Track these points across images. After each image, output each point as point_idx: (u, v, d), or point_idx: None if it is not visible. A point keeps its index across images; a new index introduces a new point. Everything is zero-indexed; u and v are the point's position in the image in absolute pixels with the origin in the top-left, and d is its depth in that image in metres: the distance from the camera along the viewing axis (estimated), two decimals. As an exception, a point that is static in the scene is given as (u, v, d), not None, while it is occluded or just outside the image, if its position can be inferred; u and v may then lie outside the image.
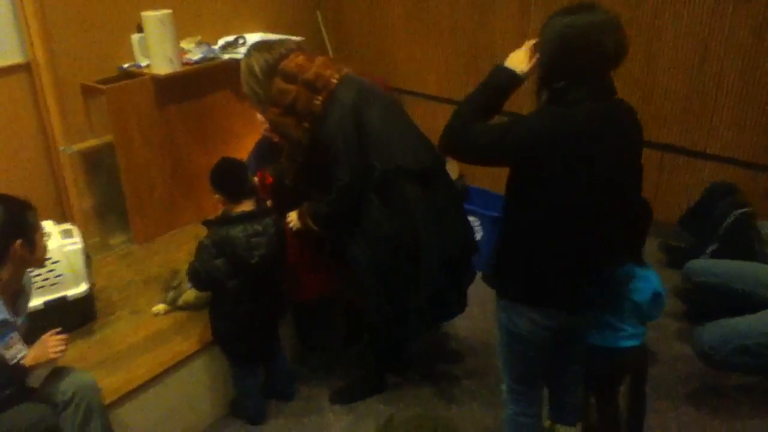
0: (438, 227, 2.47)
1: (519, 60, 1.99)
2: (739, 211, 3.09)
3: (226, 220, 2.48)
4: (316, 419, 2.80)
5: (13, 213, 2.04)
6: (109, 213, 3.50)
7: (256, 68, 2.49)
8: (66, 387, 2.14)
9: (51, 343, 2.08)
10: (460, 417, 2.77)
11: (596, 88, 1.88)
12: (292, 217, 2.59)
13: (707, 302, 2.97)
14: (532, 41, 1.99)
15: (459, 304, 2.73)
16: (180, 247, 3.45)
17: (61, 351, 2.10)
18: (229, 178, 2.50)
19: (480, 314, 3.22)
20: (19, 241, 2.03)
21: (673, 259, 3.43)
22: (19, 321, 2.14)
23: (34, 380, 2.19)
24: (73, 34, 3.21)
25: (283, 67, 2.44)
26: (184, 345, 2.68)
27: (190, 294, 2.83)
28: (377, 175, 2.39)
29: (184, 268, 2.91)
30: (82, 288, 2.70)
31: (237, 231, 2.43)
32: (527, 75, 1.99)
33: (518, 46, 2.05)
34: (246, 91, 2.57)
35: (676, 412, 2.71)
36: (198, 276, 2.50)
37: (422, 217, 2.44)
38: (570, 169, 1.87)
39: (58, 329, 2.15)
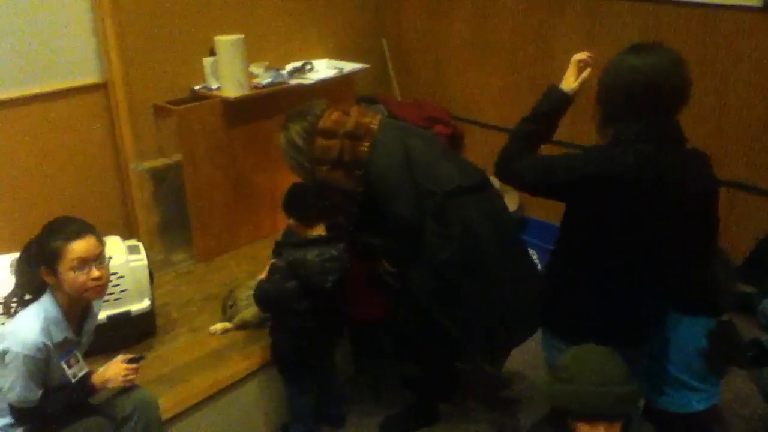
0: (504, 241, 2.50)
1: (567, 79, 2.05)
2: None
3: (301, 243, 2.52)
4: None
5: (40, 239, 2.05)
6: (172, 231, 3.58)
7: (297, 139, 2.56)
8: (126, 403, 2.18)
9: (123, 371, 2.14)
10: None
11: (654, 131, 1.86)
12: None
13: None
14: (578, 56, 1.99)
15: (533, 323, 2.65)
16: (239, 266, 3.50)
17: (132, 380, 2.17)
18: (302, 202, 2.56)
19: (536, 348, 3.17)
20: (42, 268, 2.02)
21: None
22: (83, 340, 2.19)
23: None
24: (148, 56, 3.31)
25: (321, 126, 2.52)
26: (241, 365, 2.71)
27: (247, 312, 2.86)
28: (438, 199, 2.42)
29: (240, 286, 2.98)
30: (145, 304, 2.76)
31: (312, 255, 2.47)
32: (576, 93, 2.05)
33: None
34: (288, 162, 2.64)
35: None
36: (267, 297, 2.53)
37: (486, 230, 2.45)
38: (614, 210, 1.85)
39: (132, 356, 2.21)
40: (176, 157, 3.40)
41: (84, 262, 2.00)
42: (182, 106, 3.30)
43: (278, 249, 2.61)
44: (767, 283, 3.12)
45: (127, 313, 2.71)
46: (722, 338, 2.03)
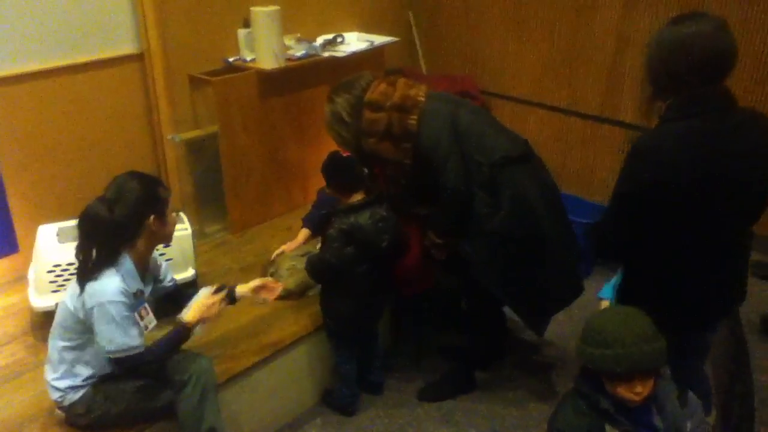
0: (554, 205, 2.55)
1: None
2: None
3: (352, 208, 2.56)
4: (406, 413, 2.85)
5: (148, 188, 2.14)
6: (206, 202, 3.61)
7: (343, 113, 2.60)
8: (184, 368, 2.23)
9: (213, 302, 2.32)
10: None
11: (709, 99, 1.84)
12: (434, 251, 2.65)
13: None
14: None
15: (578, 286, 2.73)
16: (272, 238, 3.53)
17: (223, 309, 2.35)
18: (343, 171, 2.59)
19: (565, 318, 3.23)
20: (153, 216, 2.13)
21: None
22: (147, 292, 2.25)
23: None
24: (183, 27, 3.31)
25: (368, 99, 2.54)
26: (287, 331, 2.77)
27: (290, 282, 2.90)
28: (485, 170, 2.45)
29: (281, 256, 3.03)
30: (190, 273, 2.81)
31: (364, 218, 2.53)
32: None
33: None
34: (332, 135, 2.68)
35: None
36: (329, 267, 2.57)
37: (535, 198, 2.49)
38: (681, 196, 1.86)
39: (216, 286, 2.38)
40: (211, 128, 3.42)
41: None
42: (219, 77, 3.30)
43: (310, 218, 2.69)
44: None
45: (173, 282, 2.74)
46: None
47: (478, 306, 2.67)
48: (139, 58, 3.23)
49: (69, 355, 2.17)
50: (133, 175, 2.16)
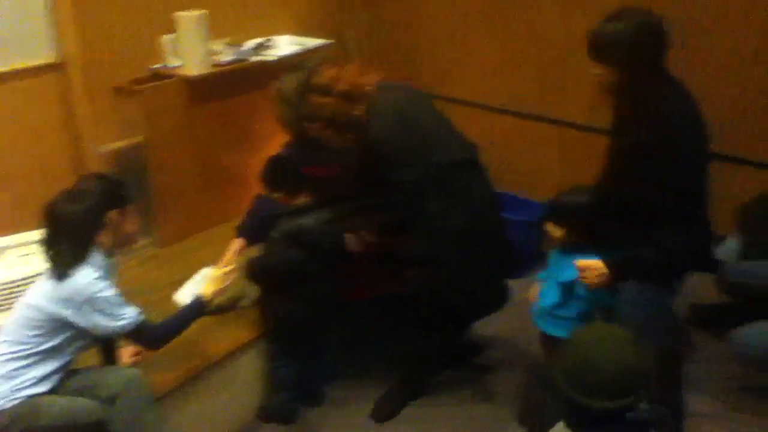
0: (495, 211, 2.56)
1: None
2: None
3: (297, 210, 2.53)
4: (351, 421, 2.78)
5: (110, 184, 2.21)
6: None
7: (289, 91, 2.50)
8: (113, 382, 2.16)
9: (223, 274, 2.44)
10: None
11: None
12: (352, 241, 2.60)
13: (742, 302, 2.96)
14: None
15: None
16: (206, 249, 3.42)
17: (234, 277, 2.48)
18: (285, 175, 2.57)
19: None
20: (114, 211, 2.16)
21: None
22: None
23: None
24: (105, 34, 3.19)
25: (316, 82, 2.45)
26: (215, 349, 2.68)
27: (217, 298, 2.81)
28: (433, 170, 2.40)
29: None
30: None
31: (309, 220, 2.51)
32: None
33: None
34: (278, 115, 2.58)
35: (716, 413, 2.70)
36: (272, 271, 2.54)
37: (481, 203, 2.48)
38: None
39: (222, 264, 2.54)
40: (138, 138, 3.30)
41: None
42: (144, 86, 3.20)
43: (244, 227, 2.70)
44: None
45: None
46: None
47: (428, 311, 2.61)
48: (58, 67, 3.09)
49: (9, 366, 2.09)
50: (96, 174, 2.34)
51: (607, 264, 2.21)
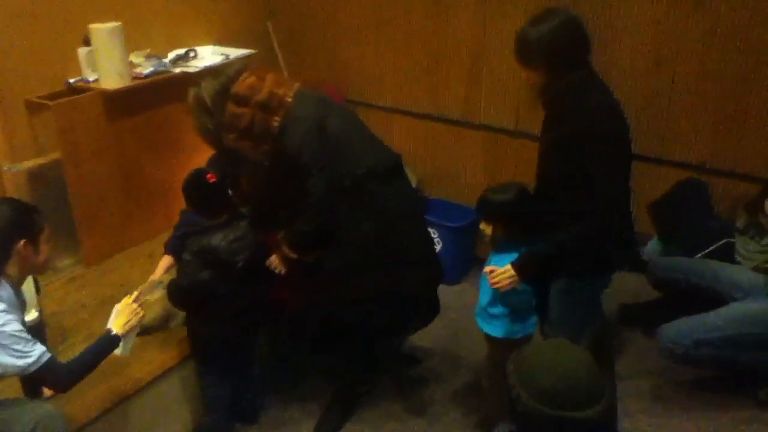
0: (411, 224, 2.51)
1: None
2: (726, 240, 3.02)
3: (205, 230, 2.46)
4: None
5: (19, 212, 2.09)
6: (55, 235, 3.30)
7: (206, 99, 2.41)
8: (27, 419, 2.03)
9: (135, 310, 2.30)
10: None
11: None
12: (275, 263, 2.55)
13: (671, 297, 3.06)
14: None
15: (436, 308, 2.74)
16: (133, 267, 3.33)
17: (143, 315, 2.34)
18: (205, 193, 2.49)
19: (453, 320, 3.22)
20: (23, 241, 2.06)
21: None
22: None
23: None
24: (16, 46, 3.05)
25: (234, 90, 2.38)
26: (143, 371, 2.60)
27: (146, 317, 2.71)
28: (348, 182, 2.37)
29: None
30: (32, 315, 2.56)
31: (217, 239, 2.43)
32: None
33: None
34: (194, 123, 2.49)
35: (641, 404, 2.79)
36: (185, 293, 2.46)
37: (396, 215, 2.44)
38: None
39: (136, 294, 2.36)
40: (55, 155, 3.17)
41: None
42: (58, 101, 3.07)
43: (173, 244, 2.61)
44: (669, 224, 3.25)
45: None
46: None
47: (355, 323, 2.58)
48: (-36, 83, 2.96)
49: None
50: (6, 199, 2.19)
51: (512, 264, 2.25)
